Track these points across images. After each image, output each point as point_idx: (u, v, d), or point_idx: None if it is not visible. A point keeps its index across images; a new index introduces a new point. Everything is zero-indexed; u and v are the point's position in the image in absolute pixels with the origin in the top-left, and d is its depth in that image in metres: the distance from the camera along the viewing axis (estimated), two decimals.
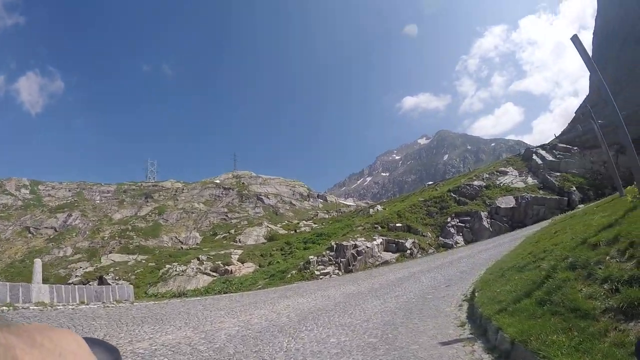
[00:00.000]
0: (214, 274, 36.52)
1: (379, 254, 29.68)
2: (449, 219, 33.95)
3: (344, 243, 29.01)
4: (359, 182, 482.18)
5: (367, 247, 29.19)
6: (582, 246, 7.92)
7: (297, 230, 55.63)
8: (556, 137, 44.90)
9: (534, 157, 39.68)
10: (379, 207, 44.30)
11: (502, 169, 40.32)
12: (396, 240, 31.05)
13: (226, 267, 37.55)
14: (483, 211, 33.59)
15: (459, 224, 33.46)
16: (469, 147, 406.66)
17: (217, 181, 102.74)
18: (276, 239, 51.20)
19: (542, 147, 41.41)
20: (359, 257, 28.49)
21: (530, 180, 37.38)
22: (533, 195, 33.85)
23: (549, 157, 38.72)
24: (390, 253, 30.19)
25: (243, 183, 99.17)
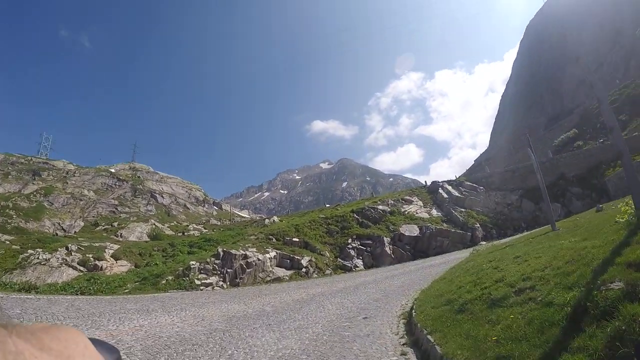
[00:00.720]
0: (82, 268, 29.97)
1: (271, 269, 25.95)
2: (349, 240, 31.42)
3: (233, 252, 24.89)
4: (256, 195, 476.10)
5: (259, 260, 25.33)
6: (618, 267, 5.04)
7: (185, 233, 49.89)
8: (462, 175, 45.21)
9: (440, 190, 39.17)
10: (276, 219, 40.73)
11: (408, 197, 39.21)
12: (292, 255, 27.61)
13: (96, 262, 31.13)
14: (386, 236, 31.57)
15: (360, 246, 31.05)
16: (368, 178, 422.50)
17: (112, 170, 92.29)
18: (160, 238, 44.94)
19: (449, 182, 41.25)
20: (248, 270, 24.51)
21: (435, 212, 36.50)
22: (438, 227, 32.67)
23: (455, 193, 38.39)
24: (284, 269, 26.63)
25: (139, 177, 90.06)
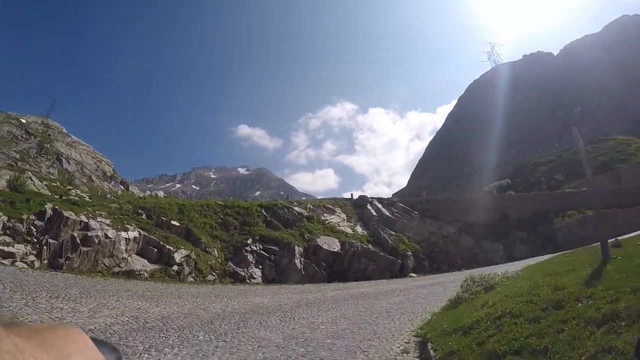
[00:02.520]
0: None
1: (125, 256, 17.42)
2: (250, 241, 23.71)
3: (67, 214, 16.15)
4: (168, 184, 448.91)
5: (107, 237, 16.76)
6: None
7: (64, 197, 38.51)
8: (394, 196, 39.61)
9: (369, 206, 32.97)
10: (161, 194, 31.45)
11: (330, 206, 32.45)
12: (162, 244, 19.29)
13: None
14: (299, 245, 24.32)
15: (262, 252, 23.43)
16: (281, 192, 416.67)
17: (24, 120, 76.25)
18: (22, 192, 33.62)
19: (380, 199, 35.30)
20: (85, 249, 15.85)
21: (360, 229, 30.04)
22: (365, 247, 26.12)
23: (386, 212, 32.40)
24: (147, 261, 18.25)
25: (49, 135, 74.84)
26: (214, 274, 20.17)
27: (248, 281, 20.89)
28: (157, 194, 32.06)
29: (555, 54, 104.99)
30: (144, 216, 21.79)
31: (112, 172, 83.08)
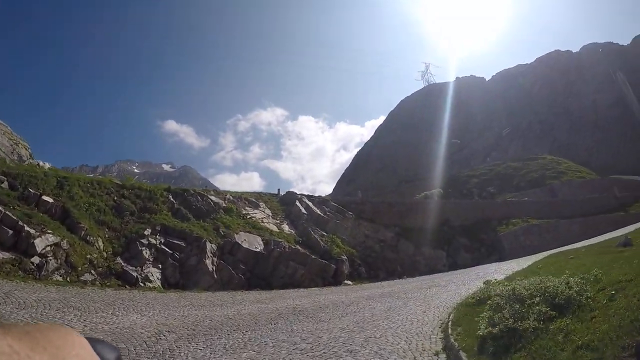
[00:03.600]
0: None
1: None
2: (148, 232, 18.77)
3: None
4: (89, 176, 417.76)
5: None
6: None
7: None
8: (329, 195, 35.90)
9: (298, 203, 28.96)
10: (48, 165, 24.89)
11: (253, 200, 28.02)
12: (21, 225, 14.00)
13: None
14: (212, 242, 19.74)
15: (164, 247, 18.57)
16: None
17: None
18: None
19: (310, 197, 31.42)
20: None
21: (287, 228, 25.93)
22: (293, 247, 22.05)
23: (317, 211, 28.57)
24: None
25: None
26: (93, 272, 15.16)
27: (142, 284, 16.05)
28: (39, 163, 25.81)
29: (487, 79, 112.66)
30: (4, 184, 16.21)
31: (29, 157, 72.96)
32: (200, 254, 18.89)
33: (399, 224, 29.12)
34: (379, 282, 21.38)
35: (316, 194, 32.28)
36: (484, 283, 13.32)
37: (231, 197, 26.48)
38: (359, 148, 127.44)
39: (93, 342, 0.65)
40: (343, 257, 23.28)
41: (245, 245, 20.61)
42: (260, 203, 28.18)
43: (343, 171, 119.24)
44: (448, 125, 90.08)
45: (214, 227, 21.44)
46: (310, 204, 29.50)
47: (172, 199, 22.39)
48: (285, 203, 29.87)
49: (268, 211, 27.52)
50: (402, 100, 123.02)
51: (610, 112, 77.10)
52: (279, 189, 32.99)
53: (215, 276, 18.57)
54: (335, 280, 21.51)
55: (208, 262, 18.75)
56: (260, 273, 20.15)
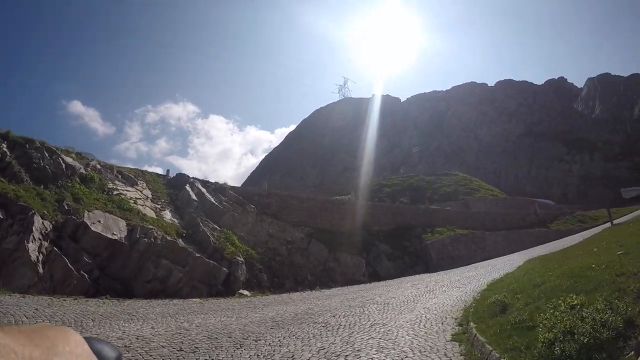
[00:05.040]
0: None
1: None
2: None
3: None
4: None
5: None
6: None
7: None
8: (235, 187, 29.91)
9: (188, 188, 22.87)
10: None
11: (130, 175, 21.46)
12: None
13: None
14: (45, 217, 13.32)
15: None
16: None
17: None
18: None
19: (205, 182, 25.34)
20: None
21: (169, 215, 19.77)
22: (171, 240, 16.08)
23: (211, 199, 22.70)
24: None
25: None
26: None
27: None
28: None
29: (402, 100, 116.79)
30: None
31: None
32: (24, 232, 12.42)
33: (311, 224, 24.25)
34: (287, 294, 16.27)
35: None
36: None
37: (99, 166, 19.84)
38: (267, 154, 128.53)
39: (93, 341, 0.65)
40: (239, 258, 17.73)
41: (96, 228, 14.30)
42: (140, 181, 21.80)
43: (249, 174, 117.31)
44: (359, 139, 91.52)
45: (57, 198, 14.91)
46: (203, 190, 23.59)
47: (5, 149, 15.42)
48: (172, 186, 23.70)
49: (148, 192, 21.22)
50: (316, 110, 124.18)
51: (519, 140, 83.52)
52: (168, 170, 26.73)
53: (41, 271, 12.22)
54: (226, 289, 15.97)
55: (32, 247, 12.29)
56: (115, 272, 14.01)
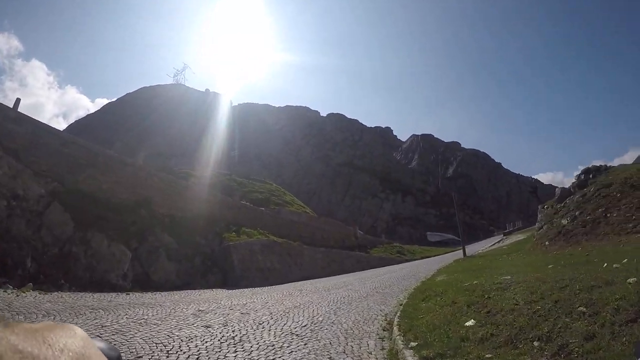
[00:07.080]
0: None
1: None
2: None
3: None
4: None
5: None
6: None
7: None
8: None
9: None
10: None
11: None
12: None
13: None
14: None
15: None
16: None
17: None
18: None
19: None
20: None
21: None
22: None
23: None
24: None
25: None
26: None
27: None
28: None
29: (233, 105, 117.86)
30: None
31: None
32: None
33: (66, 181, 15.46)
34: None
35: None
36: None
37: None
38: (79, 119, 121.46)
39: (95, 342, 0.66)
40: None
41: None
42: None
43: None
44: (182, 128, 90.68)
45: None
46: None
47: None
48: None
49: None
50: (144, 87, 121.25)
51: (340, 168, 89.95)
52: None
53: None
54: None
55: None
56: None
